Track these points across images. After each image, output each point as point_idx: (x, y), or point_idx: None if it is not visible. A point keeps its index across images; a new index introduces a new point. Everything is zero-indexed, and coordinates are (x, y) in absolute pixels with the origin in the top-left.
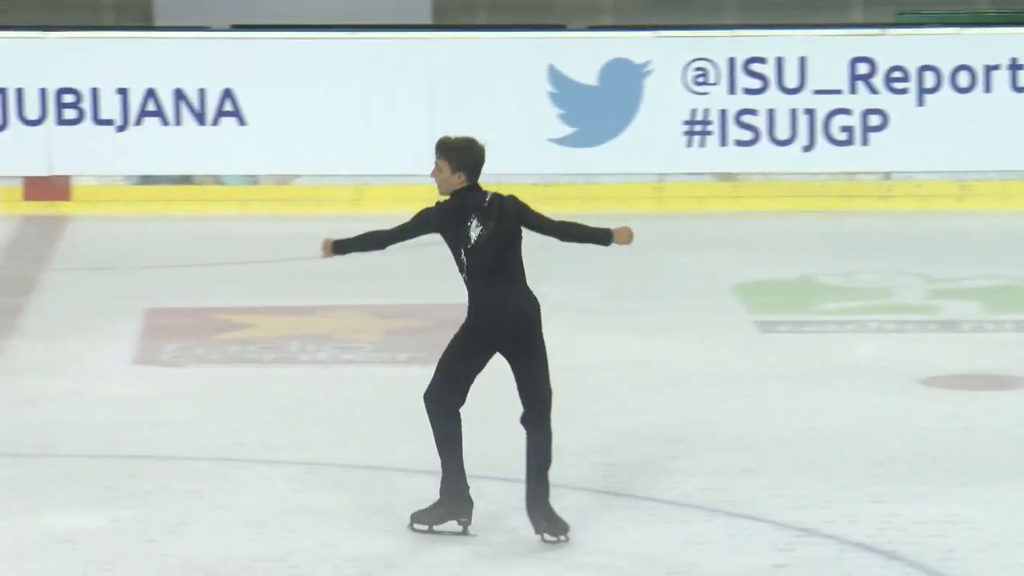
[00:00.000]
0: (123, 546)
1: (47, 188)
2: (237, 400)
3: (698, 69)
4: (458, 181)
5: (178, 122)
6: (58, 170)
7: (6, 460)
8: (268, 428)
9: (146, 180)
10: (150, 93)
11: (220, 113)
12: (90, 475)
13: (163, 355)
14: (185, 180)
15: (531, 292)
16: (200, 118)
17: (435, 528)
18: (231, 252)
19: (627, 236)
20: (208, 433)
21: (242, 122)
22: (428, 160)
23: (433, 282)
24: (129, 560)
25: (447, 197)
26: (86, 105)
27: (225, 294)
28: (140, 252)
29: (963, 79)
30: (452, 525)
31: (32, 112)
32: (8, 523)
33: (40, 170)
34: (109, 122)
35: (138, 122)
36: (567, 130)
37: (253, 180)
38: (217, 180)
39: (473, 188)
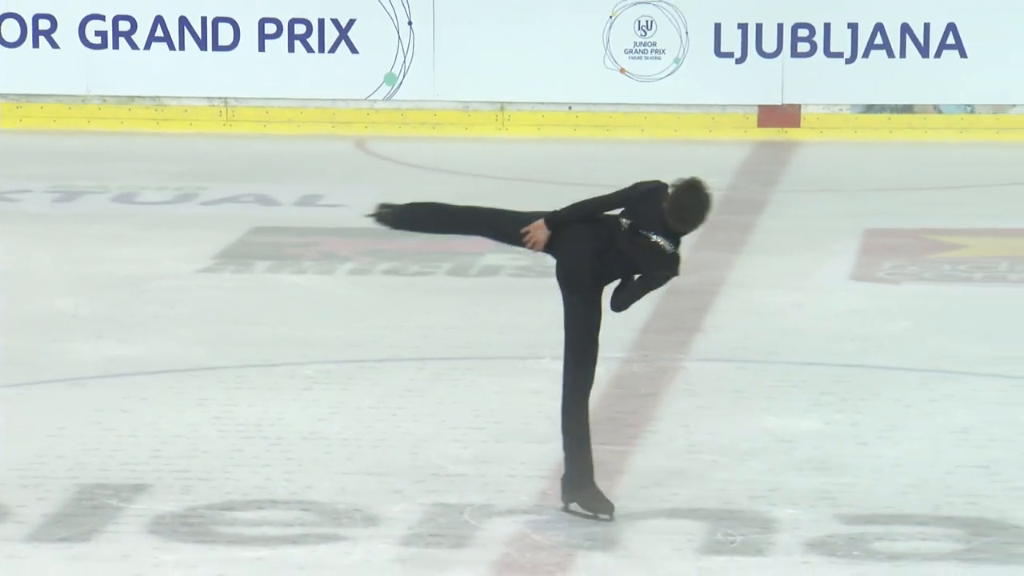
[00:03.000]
0: (837, 447)
1: (779, 115)
2: (946, 316)
3: None
4: None
5: (902, 54)
6: (789, 99)
7: (734, 365)
8: (975, 343)
9: (870, 109)
10: (879, 27)
11: (943, 46)
12: (808, 381)
13: (879, 272)
14: (906, 109)
15: None
16: (923, 50)
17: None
18: (948, 177)
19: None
20: (918, 346)
21: (963, 54)
22: None
23: None
24: (842, 460)
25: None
26: (818, 39)
27: (940, 216)
28: (862, 176)
29: None
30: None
31: (768, 45)
32: (733, 422)
33: (773, 99)
34: (839, 54)
35: (865, 54)
36: None
37: (970, 109)
38: (936, 109)
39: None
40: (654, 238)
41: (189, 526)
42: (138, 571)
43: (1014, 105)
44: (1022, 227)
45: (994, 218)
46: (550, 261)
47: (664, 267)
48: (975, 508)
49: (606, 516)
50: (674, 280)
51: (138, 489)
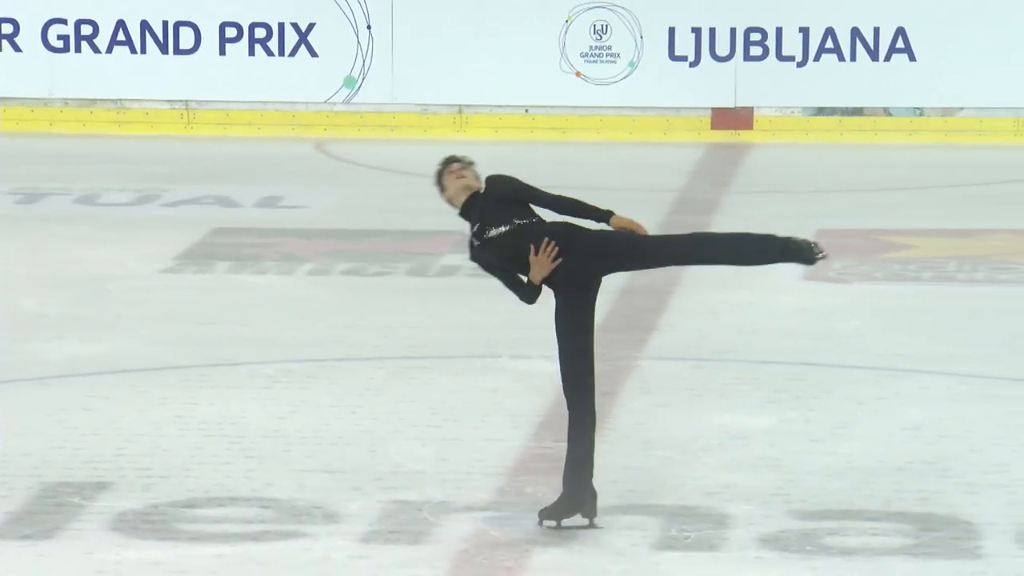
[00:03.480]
0: (790, 444)
1: (732, 118)
2: (897, 315)
3: None
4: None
5: (853, 58)
6: (742, 102)
7: (689, 364)
8: (925, 341)
9: (821, 111)
10: (830, 31)
11: (892, 50)
12: (762, 379)
13: (831, 272)
14: (856, 112)
15: None
16: (873, 54)
17: (563, 524)
18: (897, 179)
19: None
20: (869, 344)
21: (912, 58)
22: None
23: None
24: (795, 457)
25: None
26: (770, 43)
27: (890, 217)
28: (813, 177)
29: None
30: (578, 519)
31: (722, 49)
32: (688, 420)
33: (726, 102)
34: (791, 58)
35: (816, 58)
36: None
37: (919, 112)
38: (886, 112)
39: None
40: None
41: (151, 523)
42: (100, 568)
43: (962, 108)
44: (970, 228)
45: (942, 219)
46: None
47: None
48: (925, 504)
49: (544, 522)
50: (630, 279)
51: (101, 487)
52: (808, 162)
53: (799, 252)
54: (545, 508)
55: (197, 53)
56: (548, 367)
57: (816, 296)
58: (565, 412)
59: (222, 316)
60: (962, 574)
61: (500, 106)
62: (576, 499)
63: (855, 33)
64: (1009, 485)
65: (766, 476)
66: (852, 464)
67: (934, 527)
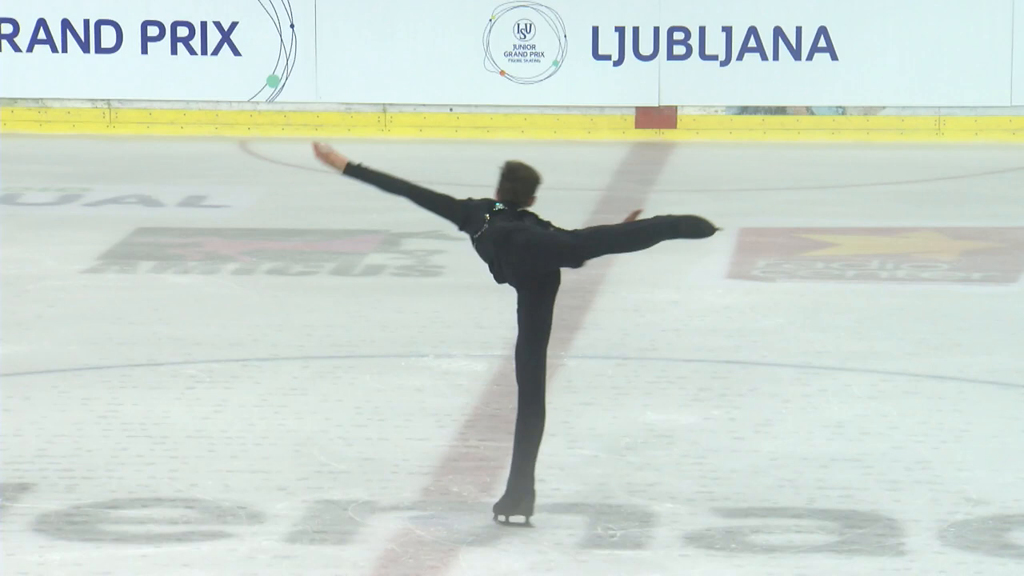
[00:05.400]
0: (714, 442)
1: (656, 117)
2: (820, 312)
3: None
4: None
5: (775, 57)
6: (666, 101)
7: (613, 362)
8: (848, 338)
9: (744, 110)
10: (752, 31)
11: (815, 49)
12: (686, 377)
13: (754, 270)
14: (779, 111)
15: None
16: (795, 53)
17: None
18: (820, 177)
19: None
20: (792, 342)
21: (834, 57)
22: (1007, 90)
23: (1012, 205)
24: (719, 455)
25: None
26: (693, 42)
27: (813, 215)
28: (736, 176)
29: None
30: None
31: (645, 48)
32: (613, 418)
33: (650, 101)
34: (714, 57)
35: (739, 57)
36: None
37: (841, 111)
38: (809, 111)
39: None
40: None
41: (74, 524)
42: (23, 569)
43: (883, 107)
44: (892, 226)
45: (865, 217)
46: (435, 260)
47: None
48: (848, 501)
49: (497, 516)
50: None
51: (23, 488)
52: (731, 161)
53: (695, 226)
54: (497, 503)
55: (119, 52)
56: (472, 366)
57: (739, 294)
58: (492, 412)
59: (145, 316)
60: (885, 570)
61: (424, 105)
62: (515, 496)
63: (778, 32)
64: (931, 482)
65: (691, 474)
66: (776, 462)
67: (857, 524)
